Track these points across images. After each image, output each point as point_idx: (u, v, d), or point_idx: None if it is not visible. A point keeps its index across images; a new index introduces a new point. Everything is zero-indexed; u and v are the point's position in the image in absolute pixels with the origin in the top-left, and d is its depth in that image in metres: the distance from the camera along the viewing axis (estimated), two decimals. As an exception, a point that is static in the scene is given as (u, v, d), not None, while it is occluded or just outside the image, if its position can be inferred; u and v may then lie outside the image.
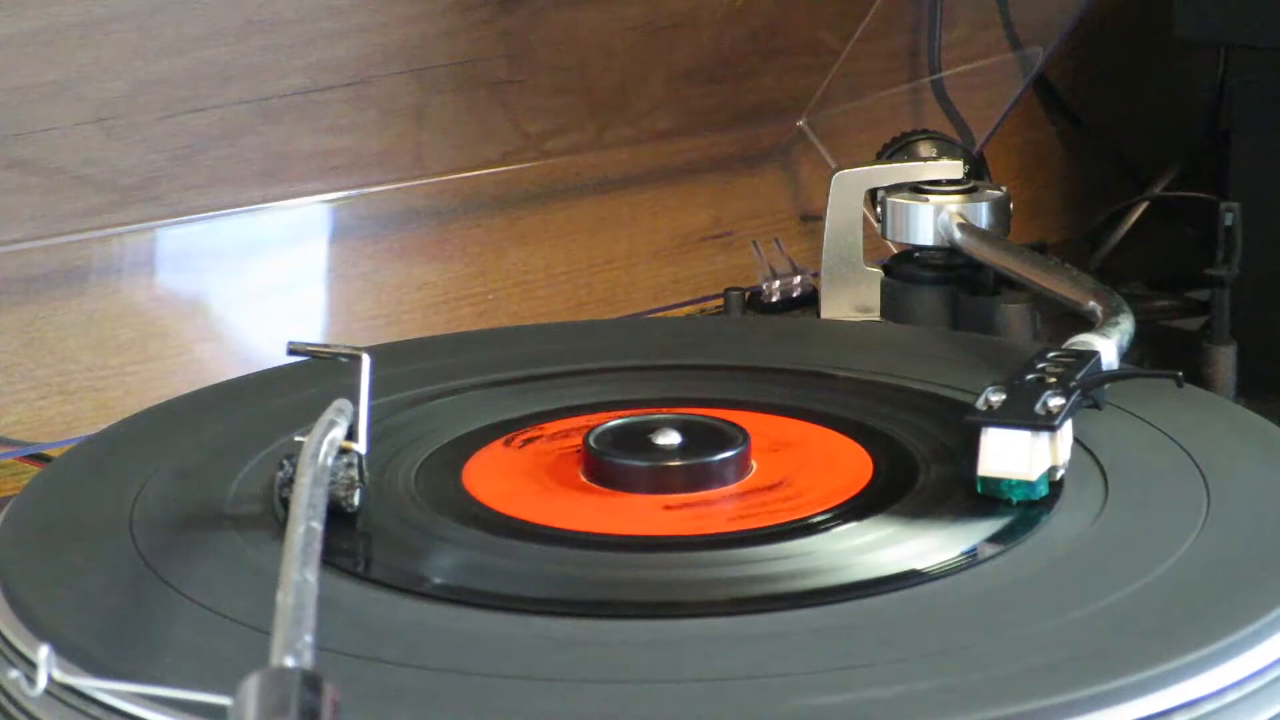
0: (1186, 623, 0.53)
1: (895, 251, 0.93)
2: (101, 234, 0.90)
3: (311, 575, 0.49)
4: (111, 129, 0.88)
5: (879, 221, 0.91)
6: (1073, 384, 0.64)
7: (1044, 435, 0.61)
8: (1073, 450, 0.64)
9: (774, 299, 1.01)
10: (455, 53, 0.97)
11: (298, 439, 0.59)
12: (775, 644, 0.53)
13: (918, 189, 0.89)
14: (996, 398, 0.63)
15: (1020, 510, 0.61)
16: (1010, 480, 0.61)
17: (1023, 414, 0.62)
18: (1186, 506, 0.61)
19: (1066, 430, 0.63)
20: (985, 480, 0.62)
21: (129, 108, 0.88)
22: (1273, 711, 0.51)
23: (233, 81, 0.90)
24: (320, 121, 0.94)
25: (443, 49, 0.96)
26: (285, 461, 0.61)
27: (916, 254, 0.90)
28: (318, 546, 0.51)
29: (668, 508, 0.63)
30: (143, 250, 0.92)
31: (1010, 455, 0.61)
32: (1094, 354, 0.68)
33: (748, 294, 1.00)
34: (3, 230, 0.87)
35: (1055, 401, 0.63)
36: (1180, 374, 0.66)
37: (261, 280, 0.96)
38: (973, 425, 0.62)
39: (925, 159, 0.98)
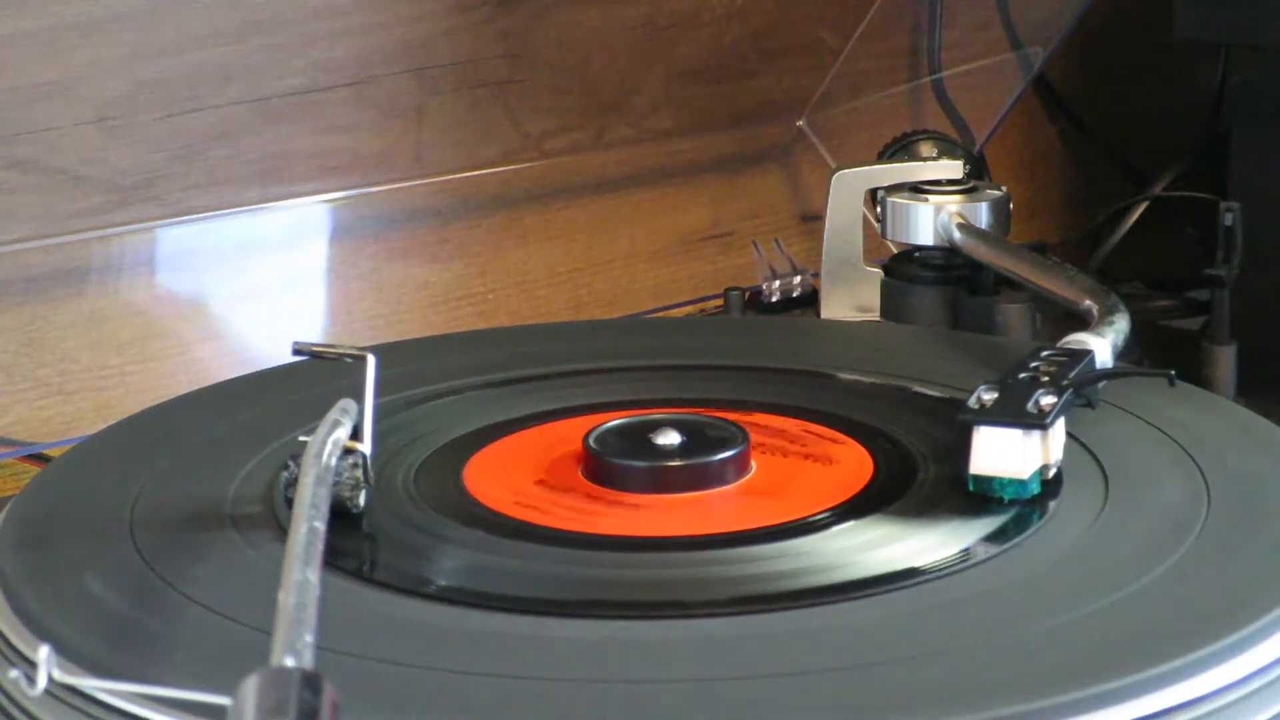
0: (1186, 623, 0.53)
1: (895, 251, 0.93)
2: (101, 234, 0.90)
3: (313, 575, 0.49)
4: (111, 129, 0.88)
5: (879, 221, 0.91)
6: (1065, 382, 0.64)
7: (1035, 434, 0.61)
8: (1073, 450, 0.64)
9: (774, 299, 1.01)
10: (455, 53, 0.97)
11: (302, 439, 0.59)
12: (774, 643, 0.53)
13: (917, 189, 0.89)
14: (989, 396, 0.63)
15: (1020, 510, 0.61)
16: (1002, 479, 0.61)
17: (1014, 412, 0.62)
18: (1186, 506, 0.61)
19: (1059, 429, 0.63)
20: (977, 479, 0.61)
21: (129, 108, 0.88)
22: (1273, 711, 0.51)
23: (233, 81, 0.90)
24: (320, 121, 0.94)
25: (443, 49, 0.96)
26: (290, 462, 0.61)
27: (916, 254, 0.90)
28: (320, 546, 0.51)
29: (668, 508, 0.63)
30: (143, 250, 0.92)
31: (1002, 454, 0.61)
32: (1087, 353, 0.68)
33: (748, 294, 1.00)
34: (3, 230, 0.87)
35: (1047, 400, 0.62)
36: (1173, 372, 0.66)
37: (261, 280, 0.96)
38: (965, 424, 0.62)
39: (925, 159, 0.98)
